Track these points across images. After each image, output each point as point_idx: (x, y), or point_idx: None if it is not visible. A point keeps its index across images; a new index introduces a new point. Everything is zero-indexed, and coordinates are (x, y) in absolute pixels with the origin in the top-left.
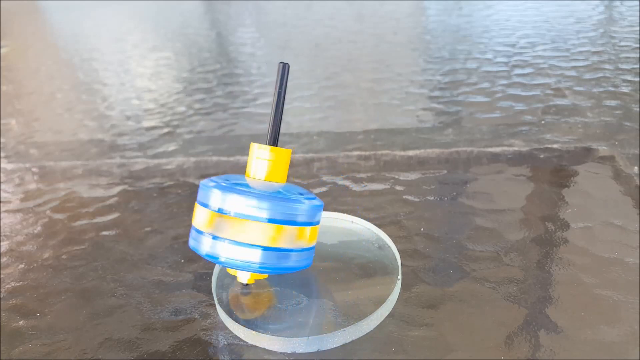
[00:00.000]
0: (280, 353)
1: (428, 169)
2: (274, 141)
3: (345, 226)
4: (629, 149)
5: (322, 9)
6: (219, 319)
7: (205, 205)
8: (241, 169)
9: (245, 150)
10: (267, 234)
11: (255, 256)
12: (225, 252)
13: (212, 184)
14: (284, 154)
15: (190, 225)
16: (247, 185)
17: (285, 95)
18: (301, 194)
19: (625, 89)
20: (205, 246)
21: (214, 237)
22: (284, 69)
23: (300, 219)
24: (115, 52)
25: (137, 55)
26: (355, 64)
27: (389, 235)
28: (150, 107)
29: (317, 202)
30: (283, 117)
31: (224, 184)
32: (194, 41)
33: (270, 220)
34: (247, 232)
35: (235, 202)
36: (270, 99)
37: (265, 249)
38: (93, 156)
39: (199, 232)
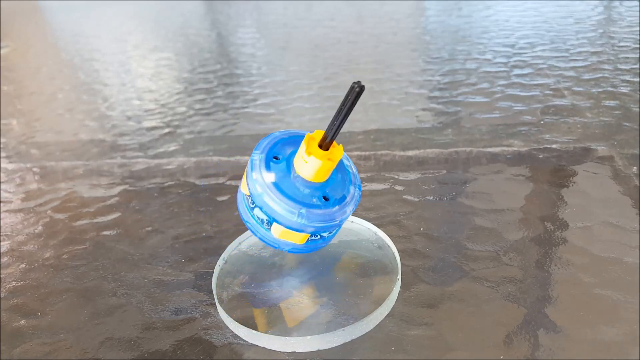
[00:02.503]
0: (280, 352)
1: (427, 169)
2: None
3: (345, 226)
4: (628, 149)
5: (322, 10)
6: (219, 318)
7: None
8: (241, 169)
9: (245, 151)
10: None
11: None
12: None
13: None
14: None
15: (190, 225)
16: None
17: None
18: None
19: (624, 89)
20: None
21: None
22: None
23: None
24: (116, 53)
25: (137, 55)
26: (355, 65)
27: (388, 235)
28: (151, 107)
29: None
30: (283, 117)
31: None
32: (194, 42)
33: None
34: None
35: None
36: (270, 99)
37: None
38: (94, 156)
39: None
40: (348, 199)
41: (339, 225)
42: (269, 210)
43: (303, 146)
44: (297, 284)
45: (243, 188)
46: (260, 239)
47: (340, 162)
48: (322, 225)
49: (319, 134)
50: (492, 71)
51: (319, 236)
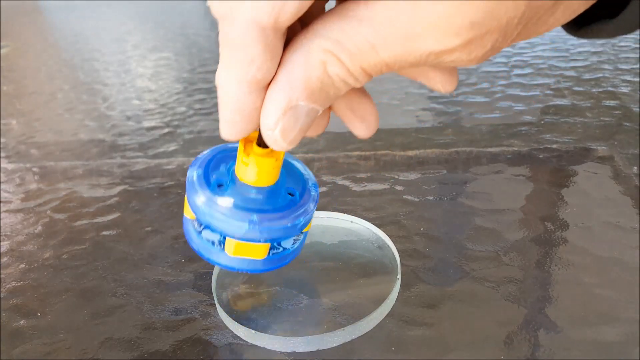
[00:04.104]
0: (280, 352)
1: (428, 169)
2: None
3: (345, 226)
4: (628, 149)
5: None
6: (219, 318)
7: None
8: None
9: None
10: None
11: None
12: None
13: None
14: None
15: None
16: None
17: None
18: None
19: (624, 89)
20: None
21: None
22: None
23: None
24: (116, 53)
25: (137, 55)
26: None
27: (388, 235)
28: (151, 107)
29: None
30: None
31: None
32: (194, 41)
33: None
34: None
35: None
36: None
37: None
38: (93, 156)
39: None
40: (305, 198)
41: (302, 234)
42: (218, 225)
43: (240, 148)
44: (297, 284)
45: (187, 213)
46: (215, 263)
47: (289, 169)
48: (280, 228)
49: (255, 134)
50: (492, 71)
51: (281, 248)
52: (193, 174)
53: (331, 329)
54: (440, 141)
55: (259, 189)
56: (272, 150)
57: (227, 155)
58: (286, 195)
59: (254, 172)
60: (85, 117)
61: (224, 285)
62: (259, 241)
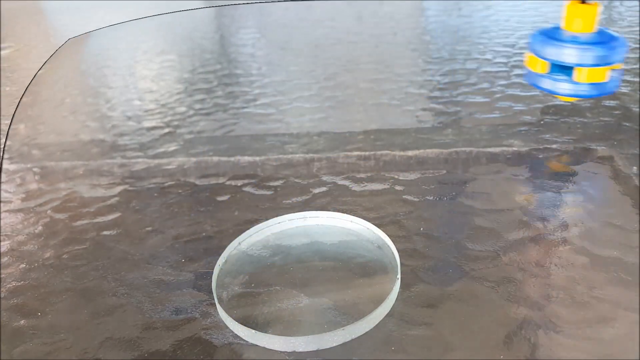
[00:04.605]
0: (280, 352)
1: (427, 169)
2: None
3: (345, 226)
4: (628, 149)
5: (322, 10)
6: (219, 318)
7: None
8: (241, 169)
9: (245, 150)
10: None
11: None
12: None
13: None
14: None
15: (190, 225)
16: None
17: None
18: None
19: (624, 89)
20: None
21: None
22: None
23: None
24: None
25: (144, 59)
26: (355, 64)
27: (388, 235)
28: (151, 107)
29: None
30: (283, 117)
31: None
32: (198, 44)
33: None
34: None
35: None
36: (270, 99)
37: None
38: (94, 156)
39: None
40: (620, 39)
41: (618, 70)
42: (577, 59)
43: (566, 9)
44: (297, 283)
45: (537, 70)
46: (568, 95)
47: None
48: (616, 52)
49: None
50: (492, 71)
51: (612, 73)
52: (537, 41)
53: (331, 329)
54: (440, 141)
55: (589, 34)
56: (591, 5)
57: (544, 34)
58: (607, 35)
59: (584, 21)
60: (87, 118)
61: (224, 285)
62: (603, 65)
